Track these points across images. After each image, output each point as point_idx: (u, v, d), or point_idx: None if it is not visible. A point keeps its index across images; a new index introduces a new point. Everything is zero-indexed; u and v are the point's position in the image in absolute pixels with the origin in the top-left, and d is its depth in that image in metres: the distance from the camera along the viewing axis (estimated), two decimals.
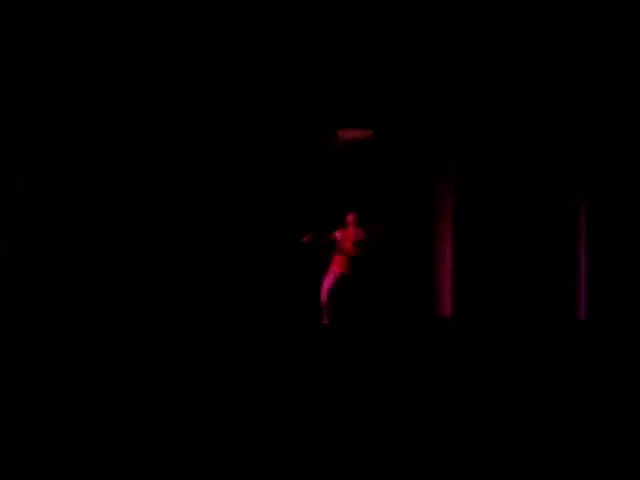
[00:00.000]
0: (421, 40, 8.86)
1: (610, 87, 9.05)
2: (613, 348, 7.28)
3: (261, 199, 9.19)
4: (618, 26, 8.63)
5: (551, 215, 9.76)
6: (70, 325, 8.06)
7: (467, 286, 9.51)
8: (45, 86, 8.14)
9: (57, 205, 8.30)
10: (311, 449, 4.26)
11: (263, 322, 8.56)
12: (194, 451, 4.22)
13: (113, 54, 8.41)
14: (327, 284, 8.49)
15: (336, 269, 8.52)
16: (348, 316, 8.47)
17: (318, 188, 9.23)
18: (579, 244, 9.79)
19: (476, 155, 9.49)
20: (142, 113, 8.67)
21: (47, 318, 7.95)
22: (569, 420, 4.85)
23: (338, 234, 8.54)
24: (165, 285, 8.75)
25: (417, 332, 8.18)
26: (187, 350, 7.17)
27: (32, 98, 8.07)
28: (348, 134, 9.20)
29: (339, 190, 9.08)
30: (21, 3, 7.95)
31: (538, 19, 8.64)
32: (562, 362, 6.67)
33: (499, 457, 4.17)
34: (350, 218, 8.53)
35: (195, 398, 5.26)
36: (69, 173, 8.31)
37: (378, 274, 9.07)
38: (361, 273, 8.55)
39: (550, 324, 9.24)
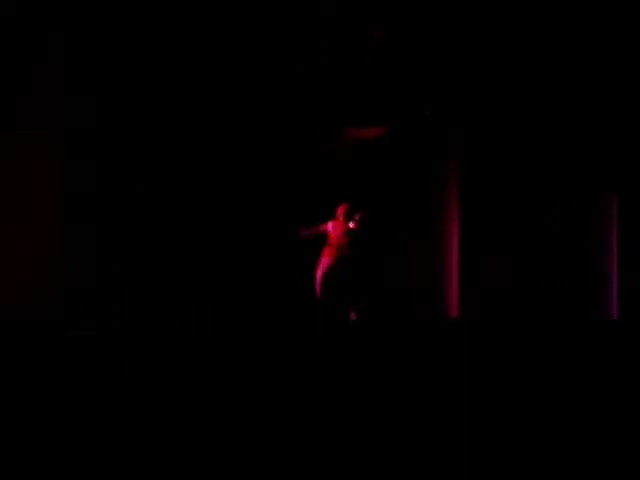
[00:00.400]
0: (422, 39, 8.86)
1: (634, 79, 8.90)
2: None
3: (262, 199, 9.18)
4: (630, 22, 8.58)
5: (580, 209, 9.47)
6: (70, 325, 8.06)
7: (475, 285, 9.37)
8: (45, 86, 8.14)
9: (57, 205, 8.30)
10: (313, 450, 4.25)
11: (263, 322, 8.55)
12: (194, 451, 4.21)
13: (113, 54, 8.41)
14: (319, 275, 8.31)
15: (325, 260, 8.34)
16: (349, 313, 8.41)
17: (319, 187, 9.22)
18: (610, 239, 9.50)
19: (491, 146, 9.30)
20: (142, 112, 8.67)
21: (47, 318, 7.95)
22: (591, 424, 4.81)
23: (330, 226, 8.37)
24: (165, 285, 8.74)
25: (424, 332, 8.16)
26: (187, 350, 7.17)
27: (31, 98, 8.07)
28: (358, 132, 9.15)
29: (342, 188, 9.05)
30: (21, 3, 7.95)
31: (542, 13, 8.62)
32: (591, 364, 6.57)
33: (505, 456, 4.16)
34: (340, 210, 8.34)
35: (195, 398, 5.26)
36: (69, 173, 8.32)
37: (382, 273, 9.05)
38: (364, 272, 8.49)
39: (580, 324, 9.05)
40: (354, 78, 8.99)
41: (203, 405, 5.08)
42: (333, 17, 8.69)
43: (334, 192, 9.06)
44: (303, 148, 9.26)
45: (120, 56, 8.45)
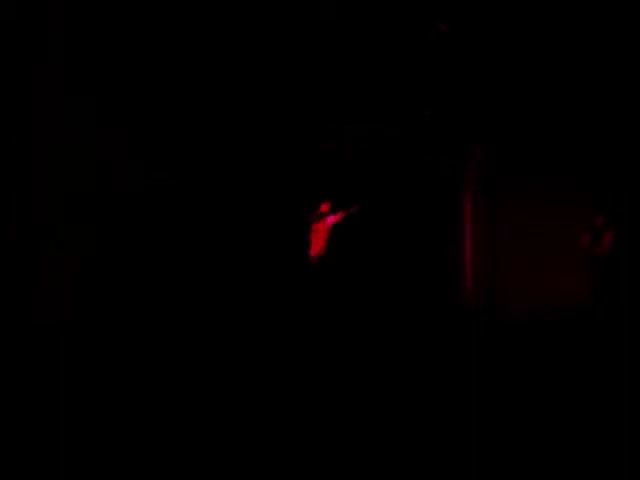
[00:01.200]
0: (422, 39, 8.86)
1: None
2: None
3: (263, 199, 9.19)
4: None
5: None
6: (70, 325, 8.06)
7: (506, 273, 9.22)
8: (45, 86, 8.15)
9: (58, 204, 8.30)
10: (311, 449, 4.25)
11: (264, 322, 8.55)
12: (194, 450, 4.21)
13: (113, 54, 8.42)
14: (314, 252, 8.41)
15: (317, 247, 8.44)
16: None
17: (319, 187, 9.23)
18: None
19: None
20: (141, 112, 8.68)
21: (46, 318, 7.95)
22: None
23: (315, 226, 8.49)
24: (165, 285, 8.74)
25: (454, 320, 8.15)
26: (187, 350, 7.17)
27: (31, 98, 8.08)
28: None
29: (342, 186, 9.08)
30: (21, 3, 7.95)
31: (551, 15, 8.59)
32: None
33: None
34: (324, 208, 8.50)
35: (195, 398, 5.26)
36: (68, 172, 8.32)
37: (406, 260, 9.10)
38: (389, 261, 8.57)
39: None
40: (354, 78, 8.99)
41: (204, 405, 5.08)
42: (333, 17, 8.69)
43: (334, 191, 9.08)
44: (303, 148, 9.27)
45: (120, 56, 8.46)
